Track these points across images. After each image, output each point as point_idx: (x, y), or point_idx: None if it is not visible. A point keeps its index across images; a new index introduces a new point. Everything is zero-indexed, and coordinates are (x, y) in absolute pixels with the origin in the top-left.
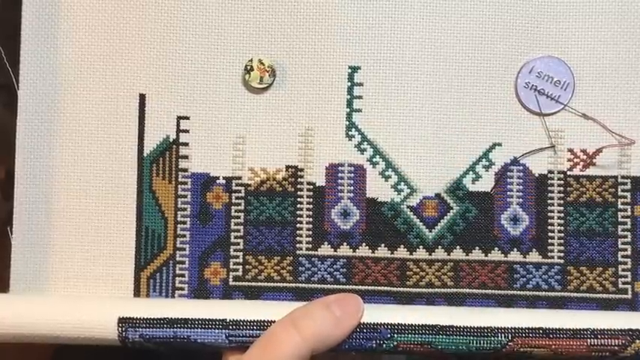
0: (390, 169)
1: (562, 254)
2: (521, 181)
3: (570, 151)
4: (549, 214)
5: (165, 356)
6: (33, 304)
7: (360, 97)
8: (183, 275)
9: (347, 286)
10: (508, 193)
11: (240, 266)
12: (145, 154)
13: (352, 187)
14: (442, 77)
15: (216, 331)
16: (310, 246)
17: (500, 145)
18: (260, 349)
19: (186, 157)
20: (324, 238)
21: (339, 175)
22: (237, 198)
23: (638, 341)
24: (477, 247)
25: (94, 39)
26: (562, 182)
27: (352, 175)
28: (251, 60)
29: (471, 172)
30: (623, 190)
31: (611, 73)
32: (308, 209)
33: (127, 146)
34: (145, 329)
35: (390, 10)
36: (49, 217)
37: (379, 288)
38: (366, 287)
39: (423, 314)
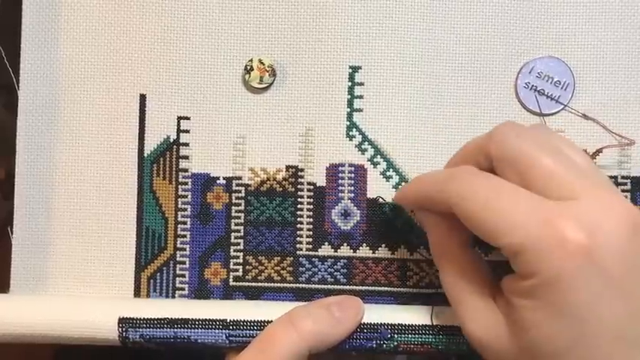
0: (391, 170)
1: None
2: None
3: None
4: None
5: (165, 357)
6: (33, 304)
7: (360, 97)
8: (183, 275)
9: (347, 287)
10: None
11: (241, 266)
12: (145, 155)
13: (353, 188)
14: (442, 77)
15: (217, 331)
16: (311, 246)
17: None
18: (258, 346)
19: (186, 157)
20: (324, 238)
21: (340, 175)
22: (237, 198)
23: None
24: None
25: (94, 39)
26: None
27: (353, 175)
28: (251, 60)
29: None
30: (622, 191)
31: (611, 74)
32: (308, 209)
33: (128, 146)
34: (145, 329)
35: (391, 9)
36: (49, 217)
37: (380, 288)
38: (367, 287)
39: (424, 314)
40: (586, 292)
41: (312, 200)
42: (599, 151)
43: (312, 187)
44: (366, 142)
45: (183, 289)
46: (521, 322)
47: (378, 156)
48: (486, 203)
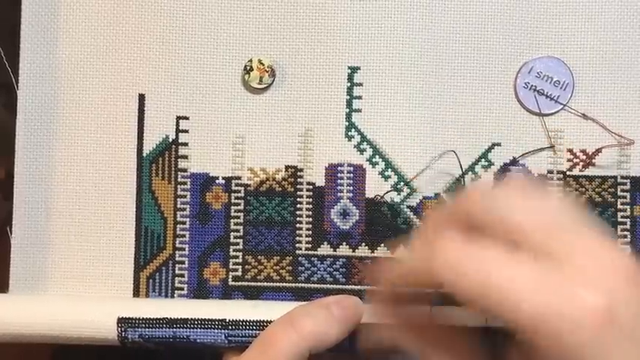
0: (389, 169)
1: None
2: None
3: (570, 151)
4: None
5: (164, 357)
6: (33, 304)
7: (359, 98)
8: (182, 275)
9: (346, 286)
10: None
11: (240, 266)
12: (144, 154)
13: (352, 187)
14: (441, 77)
15: (216, 331)
16: (310, 246)
17: (499, 145)
18: (258, 347)
19: (185, 157)
20: (323, 238)
21: (339, 175)
22: (236, 198)
23: None
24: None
25: (93, 39)
26: (561, 182)
27: (352, 175)
28: (250, 60)
29: (470, 173)
30: (622, 190)
31: (610, 74)
32: (307, 209)
33: (127, 146)
34: (144, 329)
35: (390, 10)
36: (49, 217)
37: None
38: (366, 287)
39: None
40: (616, 356)
41: (311, 200)
42: (598, 150)
43: (311, 186)
44: (365, 143)
45: (182, 288)
46: None
47: (377, 156)
48: (487, 278)
